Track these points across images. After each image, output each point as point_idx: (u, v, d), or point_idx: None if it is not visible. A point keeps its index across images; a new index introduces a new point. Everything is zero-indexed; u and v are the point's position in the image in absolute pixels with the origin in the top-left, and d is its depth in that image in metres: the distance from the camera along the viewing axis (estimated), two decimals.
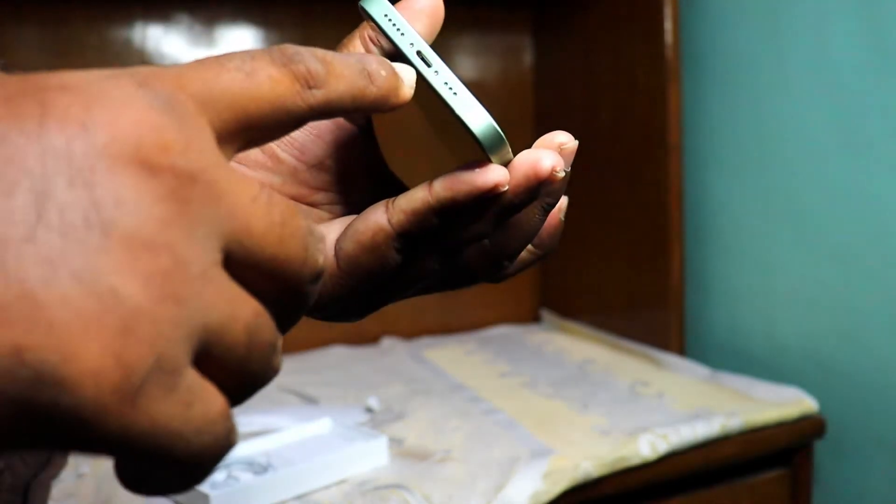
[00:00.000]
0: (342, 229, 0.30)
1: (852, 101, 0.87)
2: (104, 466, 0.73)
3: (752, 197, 1.02)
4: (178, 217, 0.18)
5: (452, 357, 1.10)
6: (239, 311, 0.19)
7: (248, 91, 0.22)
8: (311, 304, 0.23)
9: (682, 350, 1.03)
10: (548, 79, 1.28)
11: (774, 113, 0.97)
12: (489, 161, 0.27)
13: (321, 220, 0.33)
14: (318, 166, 0.33)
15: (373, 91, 0.25)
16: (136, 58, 1.09)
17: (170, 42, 1.11)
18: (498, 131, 0.27)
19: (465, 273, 0.32)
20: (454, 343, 1.18)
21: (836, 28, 0.88)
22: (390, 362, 1.08)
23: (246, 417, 0.84)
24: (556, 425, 0.81)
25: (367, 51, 0.31)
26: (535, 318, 1.33)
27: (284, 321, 0.23)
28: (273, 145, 0.31)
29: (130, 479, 0.19)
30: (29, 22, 1.04)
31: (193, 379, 0.19)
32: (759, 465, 0.85)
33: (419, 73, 0.27)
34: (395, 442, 0.77)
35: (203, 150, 0.19)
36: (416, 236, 0.28)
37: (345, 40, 0.32)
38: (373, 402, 0.88)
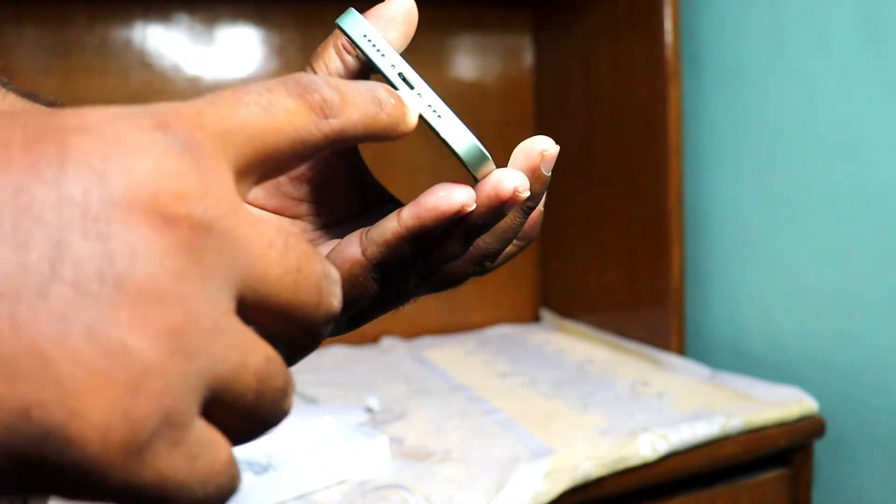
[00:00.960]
0: (324, 255, 0.30)
1: (854, 100, 0.87)
2: None
3: (752, 197, 1.02)
4: (193, 268, 0.18)
5: (452, 357, 1.10)
6: (250, 358, 0.20)
7: (266, 125, 0.22)
8: (321, 342, 0.24)
9: (682, 350, 1.03)
10: (548, 79, 1.28)
11: (775, 112, 0.97)
12: (475, 179, 0.27)
13: (304, 233, 0.33)
14: (299, 178, 0.32)
15: (383, 118, 0.25)
16: (137, 58, 1.09)
17: (170, 42, 1.11)
18: (480, 150, 0.27)
19: (448, 278, 0.33)
20: (454, 343, 1.18)
21: (837, 28, 0.88)
22: (390, 362, 1.08)
23: None
24: (556, 425, 0.81)
25: (342, 60, 0.31)
26: (535, 318, 1.33)
27: (295, 357, 0.23)
28: None
29: None
30: (29, 22, 1.04)
31: (201, 430, 0.19)
32: (759, 465, 0.85)
33: (397, 91, 0.27)
34: (395, 442, 0.77)
35: (221, 195, 0.19)
36: (391, 264, 0.28)
37: (318, 50, 0.32)
38: (373, 402, 0.88)
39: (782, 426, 0.83)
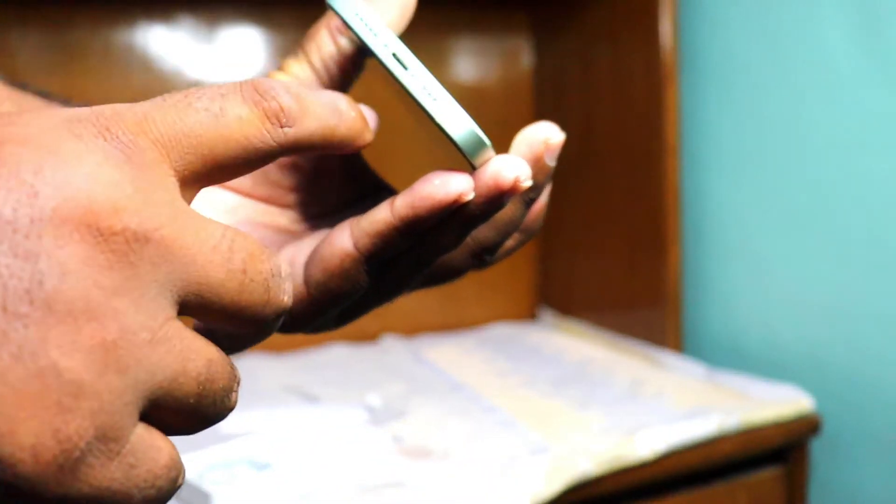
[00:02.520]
0: (313, 246, 0.28)
1: (850, 101, 0.88)
2: None
3: (749, 197, 1.02)
4: (127, 283, 0.18)
5: (452, 356, 1.10)
6: (190, 364, 0.20)
7: (215, 132, 0.21)
8: (271, 334, 0.23)
9: (679, 349, 1.04)
10: (547, 80, 1.28)
11: (772, 113, 0.98)
12: (472, 166, 0.25)
13: (295, 223, 0.32)
14: (289, 167, 0.31)
15: (341, 131, 0.25)
16: (139, 59, 1.10)
17: (172, 43, 1.11)
18: (478, 135, 0.25)
19: (445, 271, 0.31)
20: (454, 341, 1.18)
21: (834, 29, 0.89)
22: (390, 361, 1.09)
23: (246, 415, 0.84)
24: (554, 424, 0.81)
25: (335, 43, 0.30)
26: (533, 317, 1.33)
27: (243, 347, 0.23)
28: None
29: None
30: (32, 24, 1.05)
31: (139, 439, 0.19)
32: (756, 464, 0.85)
33: (395, 77, 0.25)
34: (394, 440, 0.78)
35: (160, 204, 0.19)
36: (384, 256, 0.27)
37: (310, 31, 0.31)
38: (373, 400, 0.89)
39: (779, 425, 0.83)
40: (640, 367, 1.00)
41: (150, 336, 0.18)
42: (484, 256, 0.31)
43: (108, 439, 0.18)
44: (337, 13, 0.26)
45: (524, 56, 1.31)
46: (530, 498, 0.67)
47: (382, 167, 0.35)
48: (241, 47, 1.15)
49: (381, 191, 0.33)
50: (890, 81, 0.83)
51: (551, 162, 0.28)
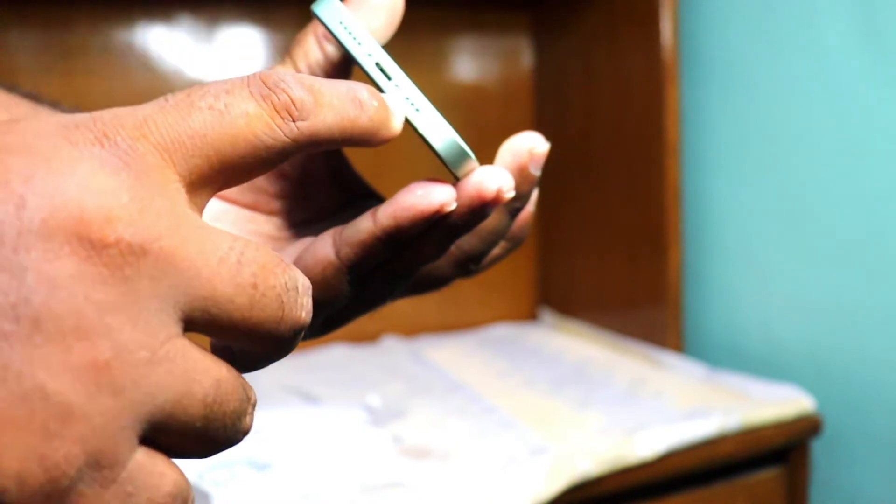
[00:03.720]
0: (296, 254, 0.28)
1: (850, 101, 0.88)
2: None
3: (750, 197, 1.02)
4: (122, 298, 0.17)
5: (452, 356, 1.10)
6: (195, 386, 0.18)
7: (221, 132, 0.20)
8: (290, 351, 0.22)
9: (680, 349, 1.04)
10: (547, 81, 1.28)
11: (773, 113, 0.98)
12: (455, 177, 0.25)
13: (280, 230, 0.31)
14: (275, 174, 0.31)
15: (363, 122, 0.23)
16: (139, 59, 1.10)
17: (172, 43, 1.11)
18: (460, 147, 0.25)
19: (430, 280, 0.31)
20: (454, 342, 1.18)
21: (834, 29, 0.89)
22: (390, 361, 1.09)
23: None
24: (555, 424, 0.81)
25: (322, 50, 0.29)
26: (533, 317, 1.33)
27: (260, 365, 0.22)
28: None
29: None
30: (32, 24, 1.04)
31: (137, 465, 0.18)
32: (757, 464, 0.85)
33: (378, 87, 0.25)
34: (394, 440, 0.78)
35: (159, 213, 0.18)
36: (366, 266, 0.26)
37: (297, 37, 0.30)
38: (372, 400, 0.89)
39: (779, 425, 0.83)
40: (641, 367, 1.00)
41: (149, 355, 0.17)
42: (469, 265, 0.31)
43: (101, 466, 0.17)
44: (321, 21, 0.26)
45: (524, 56, 1.31)
46: (530, 498, 0.67)
47: (374, 171, 0.34)
48: (241, 47, 1.15)
49: (368, 198, 0.33)
50: (890, 81, 0.83)
51: (536, 171, 0.28)
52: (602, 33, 1.13)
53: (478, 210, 0.25)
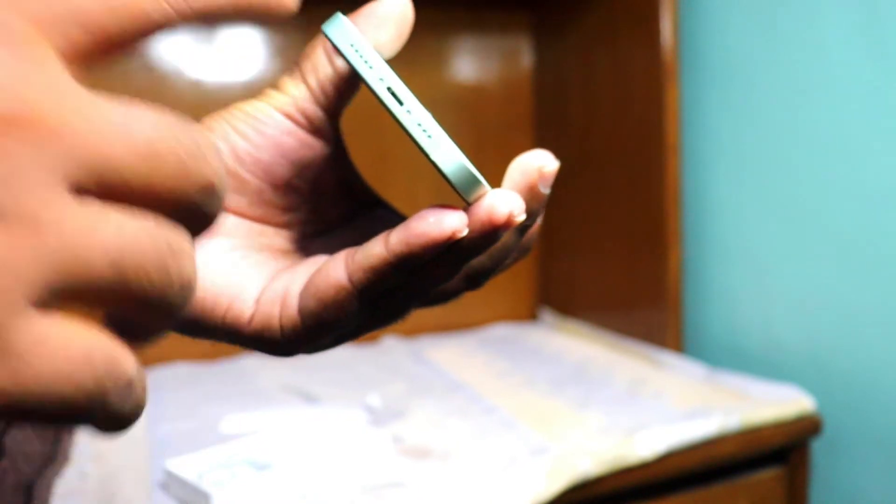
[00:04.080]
0: (308, 275, 0.28)
1: (849, 100, 0.88)
2: (107, 465, 0.73)
3: (750, 196, 1.02)
4: (1, 170, 0.17)
5: (452, 356, 1.10)
6: (95, 238, 0.18)
7: (104, 4, 0.19)
8: (216, 216, 0.21)
9: (680, 349, 1.04)
10: (547, 81, 1.28)
11: (773, 113, 0.98)
12: (466, 202, 0.25)
13: (291, 242, 0.31)
14: (285, 187, 0.31)
15: None
16: (139, 59, 1.10)
17: (172, 43, 1.11)
18: (471, 172, 0.25)
19: (439, 294, 0.31)
20: (454, 342, 1.18)
21: (834, 28, 0.89)
22: (391, 361, 1.09)
23: (247, 415, 0.84)
24: (555, 424, 0.81)
25: (333, 66, 0.29)
26: (534, 317, 1.33)
27: (195, 229, 0.21)
28: (236, 166, 0.30)
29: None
30: None
31: (23, 333, 0.17)
32: (757, 464, 0.85)
33: (390, 111, 0.25)
34: (395, 440, 0.78)
35: (35, 84, 0.18)
36: (378, 290, 0.27)
37: (307, 50, 0.30)
38: (373, 400, 0.89)
39: (779, 425, 0.83)
40: (641, 367, 1.00)
41: (31, 216, 0.17)
42: (479, 280, 0.31)
43: None
44: (331, 42, 0.26)
45: (524, 56, 1.31)
46: (531, 498, 0.67)
47: (377, 177, 0.34)
48: (241, 47, 1.15)
49: (376, 206, 0.33)
50: (890, 81, 0.83)
51: (545, 190, 0.28)
52: (602, 33, 1.13)
53: (490, 234, 0.25)
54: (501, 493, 0.67)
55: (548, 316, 1.28)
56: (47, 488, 0.68)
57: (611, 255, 1.15)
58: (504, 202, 0.25)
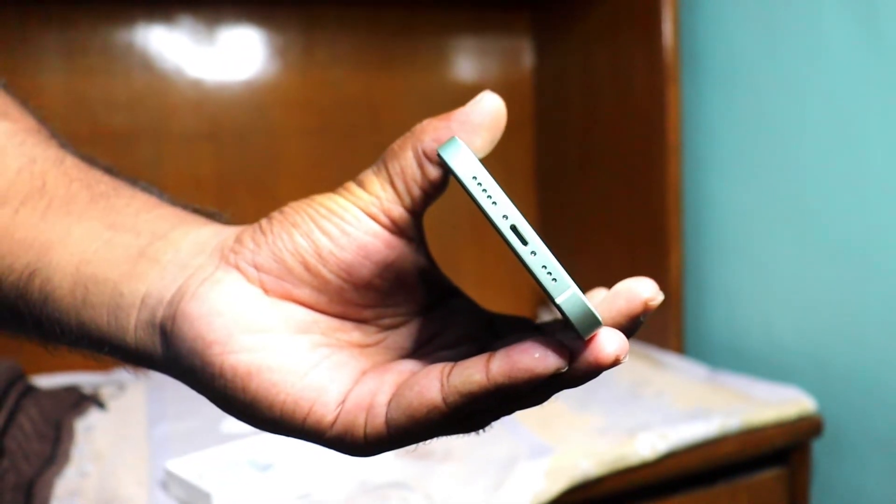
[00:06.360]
0: (394, 383, 0.28)
1: (850, 101, 0.88)
2: (108, 464, 0.73)
3: (750, 197, 1.02)
4: None
5: None
6: None
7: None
8: None
9: (681, 349, 1.04)
10: (547, 81, 1.28)
11: (773, 114, 0.98)
12: (580, 337, 0.25)
13: (368, 336, 0.31)
14: (367, 286, 0.30)
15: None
16: (139, 59, 1.10)
17: (173, 43, 1.11)
18: (594, 315, 0.25)
19: None
20: None
21: (834, 29, 0.89)
22: None
23: None
24: (555, 424, 0.81)
25: (423, 170, 0.29)
26: (533, 318, 1.33)
27: None
28: (319, 266, 0.29)
29: None
30: (34, 24, 1.04)
31: None
32: (758, 464, 0.85)
33: (512, 248, 0.25)
34: None
35: None
36: (471, 411, 0.27)
37: (395, 148, 0.30)
38: None
39: (780, 425, 0.83)
40: (642, 367, 1.00)
41: None
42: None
43: None
44: (452, 171, 0.25)
45: (524, 56, 1.31)
46: (531, 498, 0.67)
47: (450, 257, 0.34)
48: (241, 47, 1.15)
49: (451, 296, 0.33)
50: (890, 82, 0.83)
51: (643, 318, 0.28)
52: (602, 33, 1.13)
53: (593, 372, 0.26)
54: (502, 494, 0.67)
55: (548, 316, 1.28)
56: (48, 488, 0.68)
57: (611, 256, 1.15)
58: (614, 346, 0.25)
